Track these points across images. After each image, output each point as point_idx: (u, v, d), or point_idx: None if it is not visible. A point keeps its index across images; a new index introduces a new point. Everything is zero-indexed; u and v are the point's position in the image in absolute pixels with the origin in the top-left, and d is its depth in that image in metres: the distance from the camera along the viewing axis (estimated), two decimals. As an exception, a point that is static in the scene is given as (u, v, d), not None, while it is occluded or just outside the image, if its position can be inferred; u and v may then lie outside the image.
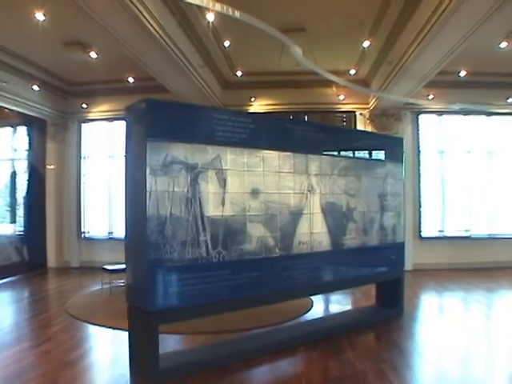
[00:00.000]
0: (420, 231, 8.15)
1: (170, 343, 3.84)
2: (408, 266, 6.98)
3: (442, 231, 8.21)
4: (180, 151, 3.07)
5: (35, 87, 7.00)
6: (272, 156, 3.59)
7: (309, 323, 4.51)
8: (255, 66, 7.26)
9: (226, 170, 3.29)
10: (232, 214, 3.31)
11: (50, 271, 8.06)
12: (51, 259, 8.33)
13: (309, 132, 3.89)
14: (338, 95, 8.05)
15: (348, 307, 5.32)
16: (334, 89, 7.97)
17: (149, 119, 2.95)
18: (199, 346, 3.77)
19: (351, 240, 4.26)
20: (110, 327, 4.32)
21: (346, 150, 4.24)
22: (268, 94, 8.25)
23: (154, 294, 2.94)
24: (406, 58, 5.58)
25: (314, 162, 3.92)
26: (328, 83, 7.82)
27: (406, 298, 4.99)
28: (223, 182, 3.28)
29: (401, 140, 4.98)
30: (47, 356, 3.52)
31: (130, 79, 7.03)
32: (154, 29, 4.64)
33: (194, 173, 3.13)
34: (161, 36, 4.82)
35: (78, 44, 5.95)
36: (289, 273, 3.68)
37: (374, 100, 7.82)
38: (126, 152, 3.19)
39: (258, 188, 3.49)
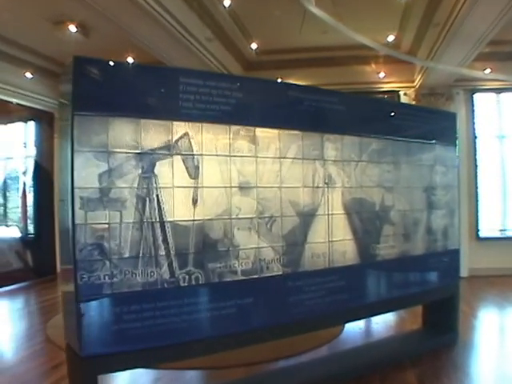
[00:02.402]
0: (477, 231, 6.88)
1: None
2: (463, 271, 5.87)
3: (504, 230, 6.91)
4: (127, 130, 2.13)
5: (28, 74, 6.34)
6: (270, 136, 2.58)
7: (333, 357, 3.46)
8: (275, 38, 6.26)
9: (200, 155, 2.32)
10: (209, 217, 2.33)
11: (60, 277, 7.44)
12: (61, 264, 7.70)
13: (324, 103, 2.84)
14: (378, 73, 6.96)
15: (388, 330, 4.20)
16: (373, 65, 6.91)
17: (77, 85, 2.04)
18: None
19: (388, 249, 3.17)
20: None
21: (378, 128, 3.14)
22: (297, 74, 7.22)
23: (87, 334, 2.03)
24: (455, 16, 4.43)
25: (333, 145, 2.87)
26: (365, 59, 6.82)
27: (460, 317, 3.85)
28: (195, 173, 2.30)
29: (453, 116, 3.81)
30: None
31: (130, 60, 6.20)
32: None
33: (149, 160, 2.18)
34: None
35: (65, 23, 5.20)
36: (297, 297, 2.66)
37: (420, 76, 6.60)
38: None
39: (249, 181, 2.49)
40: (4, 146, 7.35)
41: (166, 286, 2.20)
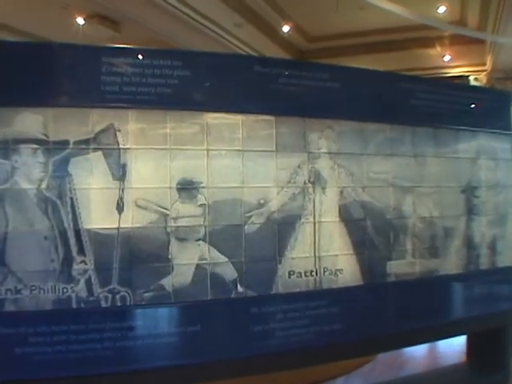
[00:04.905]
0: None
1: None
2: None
3: None
4: (33, 121, 1.80)
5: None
6: (228, 123, 2.08)
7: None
8: (318, 20, 5.67)
9: (127, 149, 1.92)
10: (139, 225, 1.92)
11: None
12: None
13: (308, 80, 2.25)
14: (443, 56, 6.01)
15: (426, 362, 3.42)
16: (438, 48, 5.97)
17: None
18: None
19: (405, 267, 2.48)
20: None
21: (389, 111, 2.46)
22: (354, 61, 6.52)
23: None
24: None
25: (323, 133, 2.28)
26: (429, 42, 5.96)
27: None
28: (121, 171, 1.91)
29: (506, 96, 2.91)
30: None
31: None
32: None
33: (61, 156, 1.83)
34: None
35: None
36: (265, 326, 2.12)
37: (490, 56, 5.48)
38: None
39: (196, 179, 2.02)
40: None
41: (82, 305, 1.84)
